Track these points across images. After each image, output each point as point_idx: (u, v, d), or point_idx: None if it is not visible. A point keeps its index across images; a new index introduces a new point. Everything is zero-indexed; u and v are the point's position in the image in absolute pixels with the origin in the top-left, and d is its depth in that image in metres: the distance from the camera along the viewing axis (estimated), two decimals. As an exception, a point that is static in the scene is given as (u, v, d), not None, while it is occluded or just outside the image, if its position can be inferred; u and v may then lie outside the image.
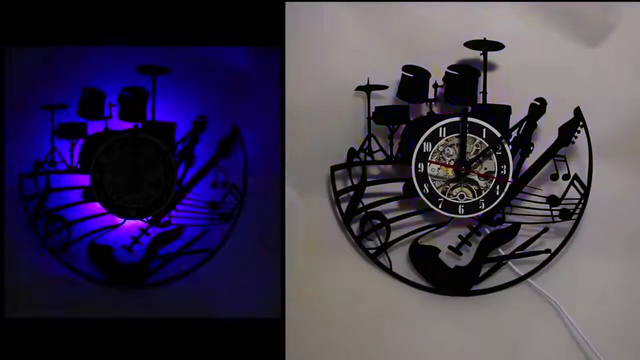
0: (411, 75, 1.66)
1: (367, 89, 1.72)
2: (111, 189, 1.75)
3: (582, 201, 1.63)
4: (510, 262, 1.70)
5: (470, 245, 1.71)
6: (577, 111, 1.61)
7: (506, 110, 1.65)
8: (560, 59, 1.71)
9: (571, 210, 1.63)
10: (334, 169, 1.75)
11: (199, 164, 1.78)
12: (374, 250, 1.75)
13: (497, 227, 1.68)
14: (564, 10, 1.68)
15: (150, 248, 1.78)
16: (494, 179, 1.66)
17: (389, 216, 1.73)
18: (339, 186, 1.76)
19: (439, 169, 1.68)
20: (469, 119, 1.65)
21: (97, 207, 1.76)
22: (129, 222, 1.78)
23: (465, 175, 1.67)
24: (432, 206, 1.68)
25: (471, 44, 1.63)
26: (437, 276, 1.72)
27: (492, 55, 1.65)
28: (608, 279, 1.70)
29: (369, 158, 1.73)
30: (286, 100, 1.75)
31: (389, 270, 1.74)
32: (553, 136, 1.63)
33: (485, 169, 1.67)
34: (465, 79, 1.64)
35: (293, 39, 1.74)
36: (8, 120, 1.77)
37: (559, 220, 1.64)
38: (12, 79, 1.77)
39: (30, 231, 1.77)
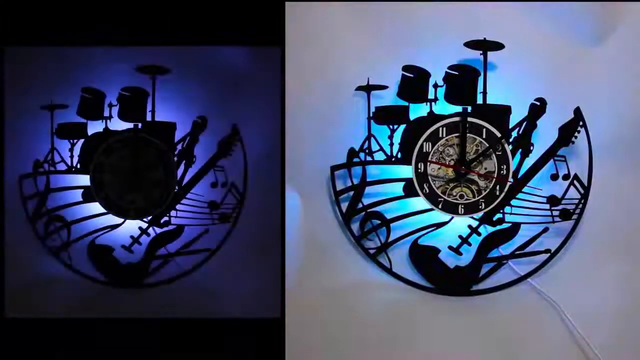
0: (411, 75, 1.66)
1: (367, 89, 1.72)
2: (111, 189, 1.75)
3: (582, 201, 1.63)
4: (510, 262, 1.70)
5: (470, 245, 1.71)
6: (577, 111, 1.61)
7: (506, 110, 1.65)
8: (560, 59, 1.71)
9: (571, 210, 1.63)
10: (334, 169, 1.75)
11: (199, 164, 1.78)
12: (374, 250, 1.75)
13: (497, 227, 1.68)
14: (564, 11, 1.68)
15: (150, 248, 1.78)
16: (494, 179, 1.66)
17: (389, 216, 1.73)
18: (339, 186, 1.76)
19: (439, 169, 1.68)
20: (469, 119, 1.65)
21: (97, 207, 1.76)
22: (129, 222, 1.78)
23: (465, 175, 1.67)
24: (432, 206, 1.68)
25: (471, 44, 1.63)
26: (437, 276, 1.72)
27: (492, 55, 1.65)
28: (608, 279, 1.70)
29: (369, 158, 1.73)
30: (286, 100, 1.75)
31: (389, 270, 1.74)
32: (553, 136, 1.63)
33: (485, 169, 1.67)
34: (465, 79, 1.64)
35: (293, 39, 1.74)
36: (8, 121, 1.77)
37: (559, 220, 1.64)
38: (12, 79, 1.77)
39: (30, 231, 1.77)
